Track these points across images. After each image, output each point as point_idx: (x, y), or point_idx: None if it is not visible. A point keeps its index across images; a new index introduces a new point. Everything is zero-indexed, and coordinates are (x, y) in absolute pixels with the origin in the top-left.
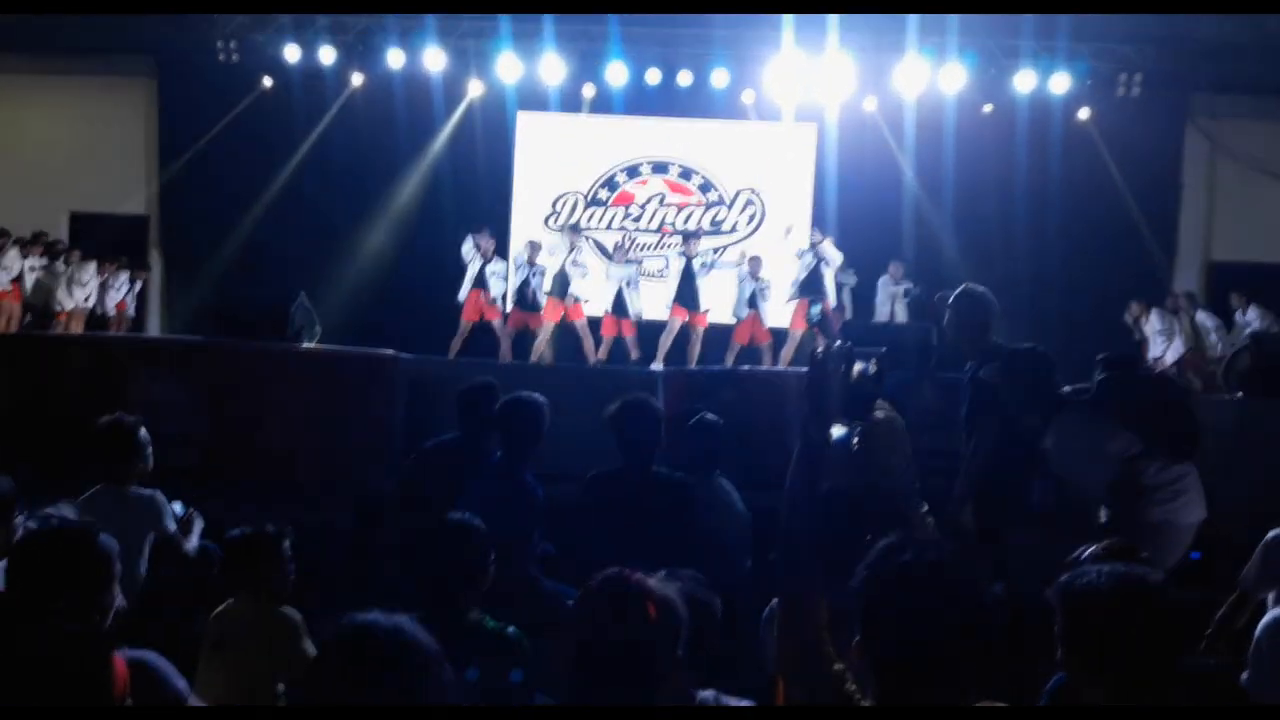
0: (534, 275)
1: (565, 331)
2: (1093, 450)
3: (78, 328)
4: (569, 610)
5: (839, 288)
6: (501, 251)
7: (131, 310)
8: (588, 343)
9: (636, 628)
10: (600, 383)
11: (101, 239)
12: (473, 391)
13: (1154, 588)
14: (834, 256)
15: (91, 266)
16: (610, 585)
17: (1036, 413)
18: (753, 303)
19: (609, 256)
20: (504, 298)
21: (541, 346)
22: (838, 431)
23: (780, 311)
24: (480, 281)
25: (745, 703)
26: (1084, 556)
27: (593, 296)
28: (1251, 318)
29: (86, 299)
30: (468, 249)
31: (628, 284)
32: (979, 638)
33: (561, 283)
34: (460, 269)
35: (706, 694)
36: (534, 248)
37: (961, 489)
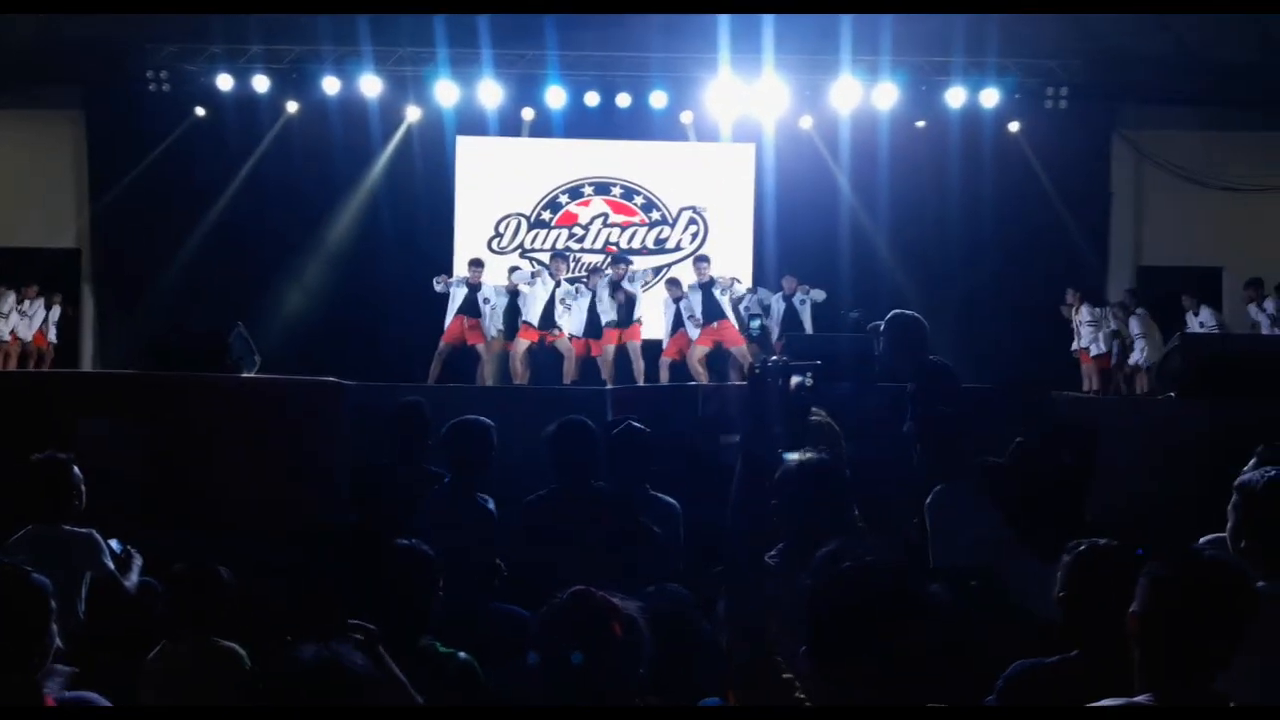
0: (497, 296)
1: (545, 351)
2: (961, 527)
3: (9, 363)
4: (532, 629)
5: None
6: (449, 273)
7: (52, 337)
8: (569, 363)
9: (602, 646)
10: (547, 404)
11: (31, 274)
12: (401, 412)
13: None
14: (738, 288)
15: (10, 297)
16: (576, 603)
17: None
18: (679, 321)
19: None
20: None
21: (517, 366)
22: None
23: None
24: (468, 308)
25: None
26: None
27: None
28: (1205, 318)
29: (11, 331)
30: (442, 284)
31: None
32: (919, 636)
33: (546, 315)
34: (408, 294)
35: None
36: (478, 267)
37: (909, 505)
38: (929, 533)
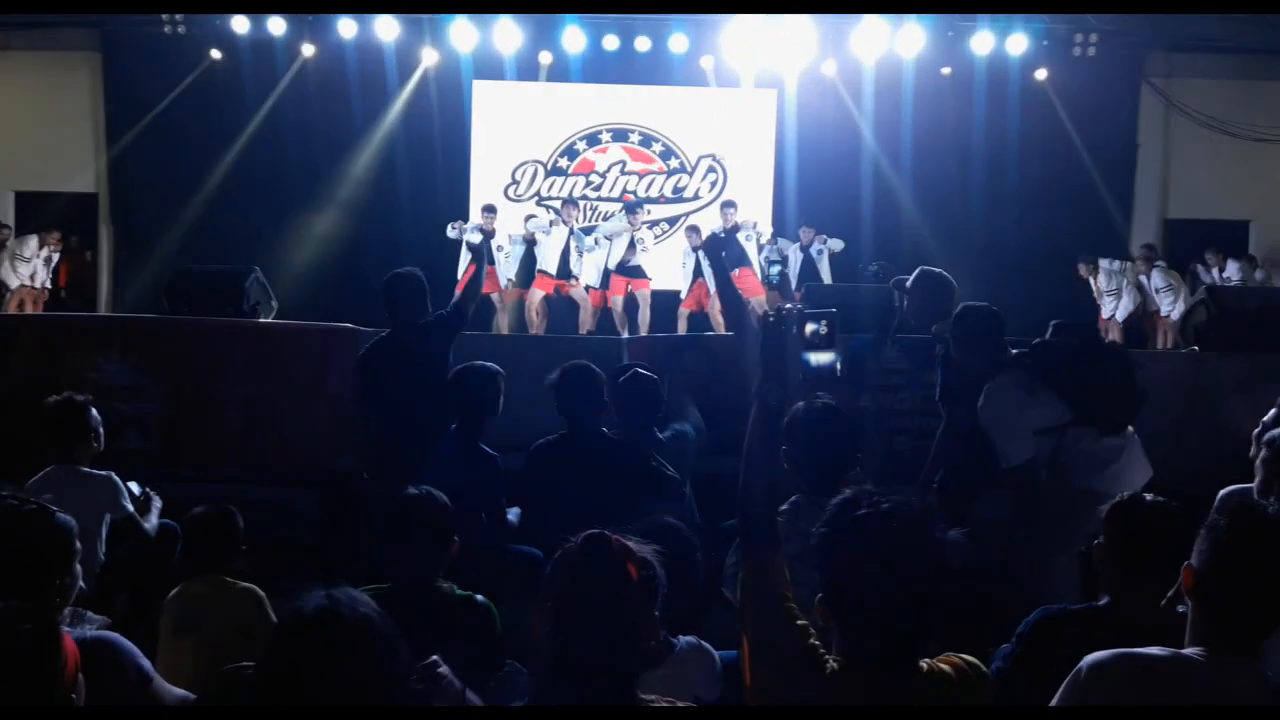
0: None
1: (562, 301)
2: (1019, 417)
3: (30, 308)
4: (546, 571)
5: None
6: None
7: (45, 282)
8: (585, 313)
9: (618, 588)
10: (564, 353)
11: (50, 218)
12: (395, 283)
13: None
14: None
15: (33, 241)
16: (590, 546)
17: (982, 369)
18: (698, 271)
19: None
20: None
21: (532, 315)
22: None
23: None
24: (490, 257)
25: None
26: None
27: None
28: (1232, 272)
29: (32, 276)
30: (456, 230)
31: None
32: (936, 583)
33: (563, 263)
34: (424, 240)
35: (689, 639)
36: (491, 213)
37: (932, 461)
38: (991, 433)
